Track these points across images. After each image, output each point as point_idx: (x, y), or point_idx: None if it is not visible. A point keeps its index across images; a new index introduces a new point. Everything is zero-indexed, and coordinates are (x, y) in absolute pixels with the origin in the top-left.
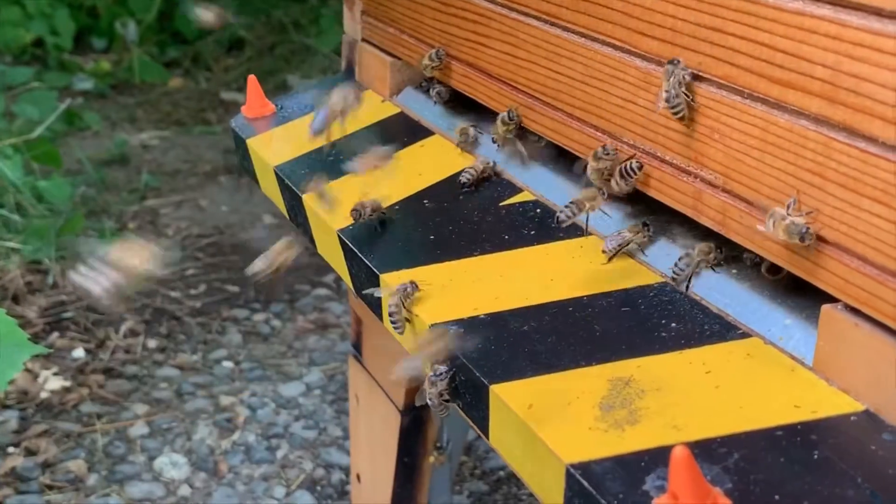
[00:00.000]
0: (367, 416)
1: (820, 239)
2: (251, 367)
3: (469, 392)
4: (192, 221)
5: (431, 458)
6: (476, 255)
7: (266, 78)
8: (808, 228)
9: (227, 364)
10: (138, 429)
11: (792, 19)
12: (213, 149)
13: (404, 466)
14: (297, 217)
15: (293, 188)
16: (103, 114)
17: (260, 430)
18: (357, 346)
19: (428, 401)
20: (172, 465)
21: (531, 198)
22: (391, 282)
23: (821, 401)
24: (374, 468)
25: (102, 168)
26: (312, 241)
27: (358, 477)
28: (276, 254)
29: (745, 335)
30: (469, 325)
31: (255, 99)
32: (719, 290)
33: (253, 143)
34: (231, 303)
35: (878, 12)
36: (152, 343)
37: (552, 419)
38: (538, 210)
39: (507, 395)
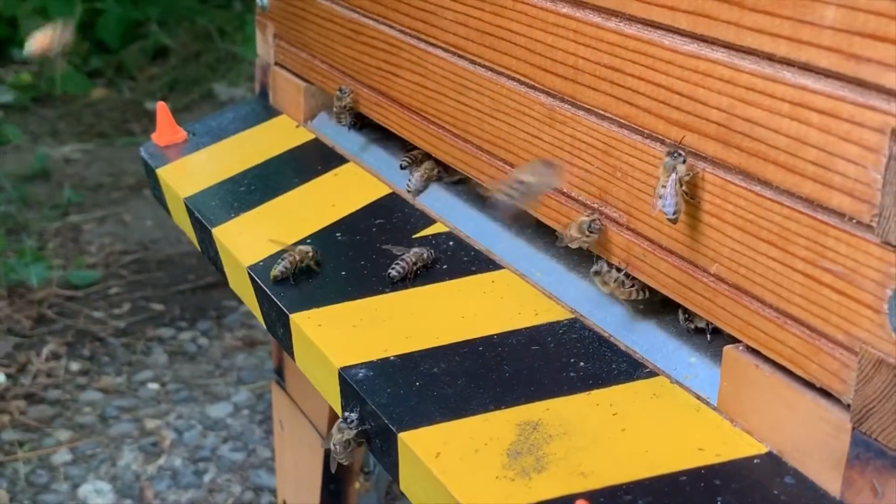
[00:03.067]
0: (291, 443)
1: (720, 280)
2: (177, 388)
3: (379, 438)
4: (116, 237)
5: (357, 485)
6: (388, 292)
7: (191, 86)
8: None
9: (153, 386)
10: (61, 456)
11: (687, 62)
12: (137, 161)
13: (330, 493)
14: (209, 251)
15: (203, 221)
16: (24, 127)
17: (187, 453)
18: (279, 372)
19: (331, 446)
20: (97, 492)
21: (444, 230)
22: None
23: (724, 443)
24: (300, 495)
25: (23, 184)
26: (225, 275)
27: (284, 503)
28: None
29: (652, 374)
30: (379, 368)
31: (165, 126)
32: (627, 327)
33: (163, 173)
34: (156, 322)
35: (770, 57)
36: (75, 366)
37: (460, 468)
38: (451, 242)
39: (416, 443)
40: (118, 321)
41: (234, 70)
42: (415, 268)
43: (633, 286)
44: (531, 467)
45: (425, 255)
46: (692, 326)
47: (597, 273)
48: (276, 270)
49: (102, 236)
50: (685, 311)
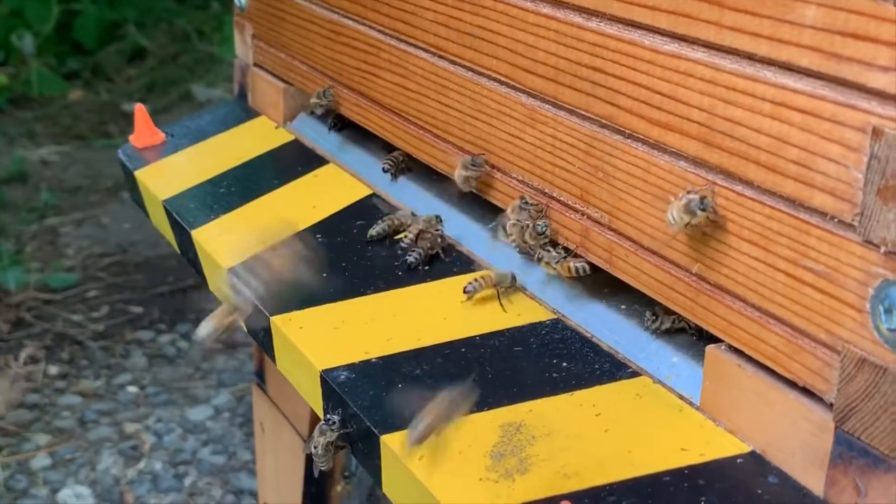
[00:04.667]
0: (272, 445)
1: (702, 279)
2: (157, 392)
3: (362, 441)
4: (94, 240)
5: (339, 487)
6: (369, 294)
7: (169, 88)
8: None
9: (132, 389)
10: (40, 460)
11: (668, 62)
12: (114, 163)
13: (311, 496)
14: (188, 253)
15: (182, 224)
16: (0, 129)
17: (167, 457)
18: (260, 375)
19: (312, 449)
20: (76, 497)
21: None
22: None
23: (708, 442)
24: (281, 497)
25: None
26: (204, 278)
27: None
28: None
29: (635, 374)
30: (361, 370)
31: (143, 127)
32: (609, 327)
33: (141, 175)
34: (135, 324)
35: (751, 57)
36: (53, 370)
37: (443, 471)
38: None
39: (399, 445)
40: (97, 324)
41: (213, 71)
42: (430, 252)
43: (573, 263)
44: (514, 469)
45: (440, 241)
46: (659, 327)
47: (539, 259)
48: (374, 231)
49: (80, 239)
50: (652, 312)
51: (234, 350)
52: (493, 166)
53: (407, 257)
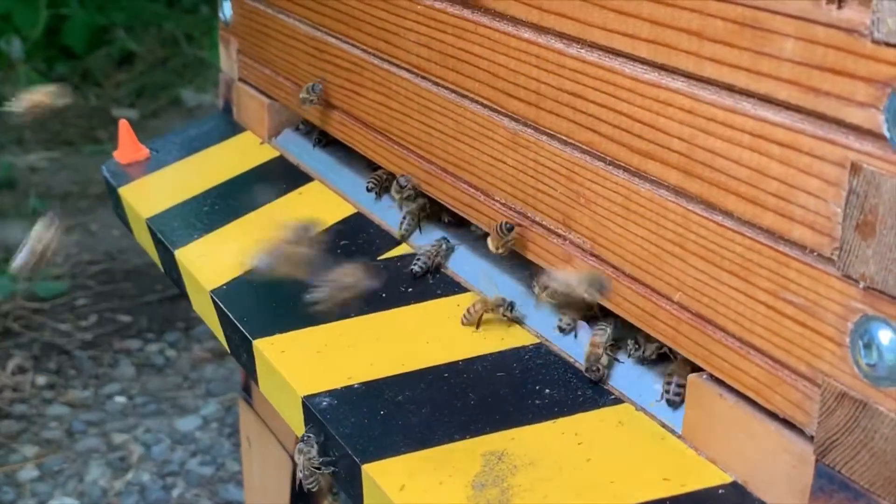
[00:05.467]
0: (259, 460)
1: (684, 308)
2: (145, 402)
3: (343, 469)
4: (83, 247)
5: (327, 502)
6: (352, 317)
7: (158, 93)
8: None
9: (120, 399)
10: (28, 472)
11: (648, 91)
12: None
13: None
14: (172, 273)
15: (166, 244)
16: None
17: (155, 468)
18: (247, 389)
19: (300, 473)
20: None
21: (410, 251)
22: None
23: (689, 472)
24: None
25: None
26: (188, 298)
27: None
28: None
29: (618, 401)
30: (343, 396)
31: (127, 143)
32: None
33: (125, 193)
34: (123, 333)
35: (730, 88)
36: (41, 380)
37: (424, 502)
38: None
39: (380, 476)
40: (85, 333)
41: (202, 76)
42: (436, 260)
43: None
44: (496, 499)
45: (444, 247)
46: (642, 355)
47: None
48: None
49: (69, 246)
50: (635, 340)
51: (222, 360)
52: (475, 187)
53: (413, 267)
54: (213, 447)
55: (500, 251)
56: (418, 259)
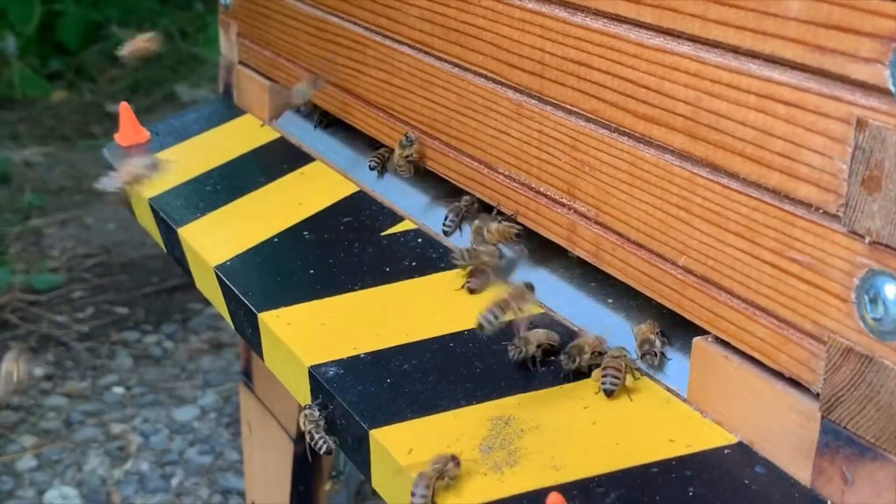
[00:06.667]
0: (260, 445)
1: (688, 272)
2: (143, 392)
3: (350, 436)
4: (79, 241)
5: (327, 486)
6: (357, 290)
7: (153, 88)
8: None
9: (118, 390)
10: (26, 462)
11: (654, 56)
12: (98, 164)
13: (299, 495)
14: (174, 251)
15: (168, 222)
16: None
17: (153, 457)
18: (247, 373)
19: (307, 437)
20: (63, 498)
21: (413, 227)
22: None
23: (695, 434)
24: (269, 496)
25: None
26: (191, 276)
27: None
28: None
29: None
30: (349, 366)
31: (128, 126)
32: (596, 319)
33: None
34: (120, 325)
35: (736, 50)
36: (39, 371)
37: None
38: (420, 240)
39: (387, 440)
40: (82, 325)
41: (197, 71)
42: (466, 215)
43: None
44: (503, 461)
45: (475, 204)
46: (573, 367)
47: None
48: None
49: (65, 240)
50: (567, 353)
51: (220, 350)
52: (478, 161)
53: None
54: (212, 437)
55: (402, 168)
56: (446, 217)
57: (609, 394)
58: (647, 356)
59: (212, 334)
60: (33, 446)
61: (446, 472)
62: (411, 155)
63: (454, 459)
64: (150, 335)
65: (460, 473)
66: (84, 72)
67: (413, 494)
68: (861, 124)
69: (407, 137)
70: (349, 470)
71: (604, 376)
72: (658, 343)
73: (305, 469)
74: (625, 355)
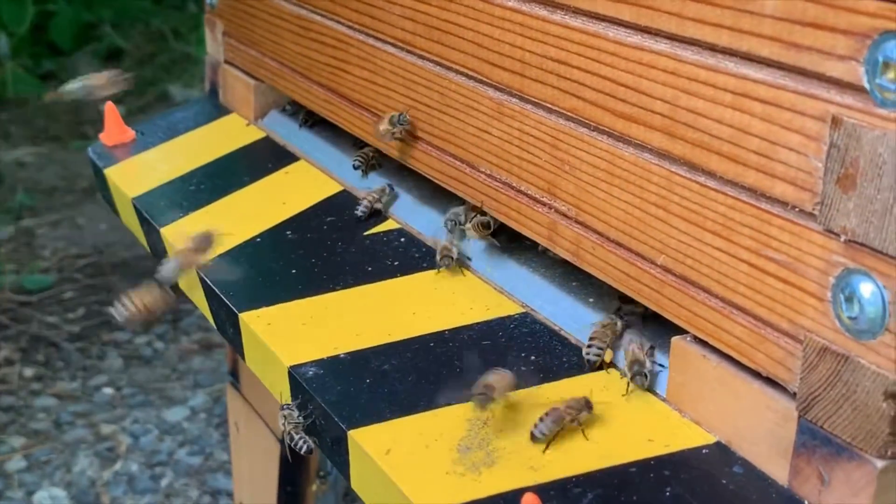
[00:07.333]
0: (247, 445)
1: (667, 271)
2: (133, 393)
3: (329, 436)
4: (70, 241)
5: (314, 487)
6: (338, 290)
7: (146, 88)
8: None
9: (108, 390)
10: (16, 463)
11: (631, 54)
12: (90, 164)
13: (287, 495)
14: (157, 251)
15: (151, 221)
16: None
17: (143, 458)
18: (234, 374)
19: (286, 438)
20: (52, 499)
21: (395, 226)
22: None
23: (674, 433)
24: (257, 497)
25: None
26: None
27: None
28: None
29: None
30: (330, 365)
31: (113, 125)
32: (577, 321)
33: (111, 174)
34: (111, 326)
35: (713, 48)
36: (29, 371)
37: (410, 464)
38: (403, 239)
39: (366, 441)
40: (72, 326)
41: (189, 71)
42: (376, 206)
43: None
44: (481, 462)
45: (387, 192)
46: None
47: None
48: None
49: (56, 240)
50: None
51: (210, 351)
52: (461, 160)
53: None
54: (202, 437)
55: (382, 137)
56: (360, 203)
57: (592, 364)
58: (638, 377)
59: (202, 335)
60: (23, 447)
61: (578, 418)
62: (396, 133)
63: (588, 406)
64: (141, 336)
65: (592, 418)
66: (76, 72)
67: (535, 426)
68: (836, 122)
69: (401, 115)
70: (336, 472)
71: (588, 346)
72: (648, 364)
73: (293, 470)
74: (613, 325)
